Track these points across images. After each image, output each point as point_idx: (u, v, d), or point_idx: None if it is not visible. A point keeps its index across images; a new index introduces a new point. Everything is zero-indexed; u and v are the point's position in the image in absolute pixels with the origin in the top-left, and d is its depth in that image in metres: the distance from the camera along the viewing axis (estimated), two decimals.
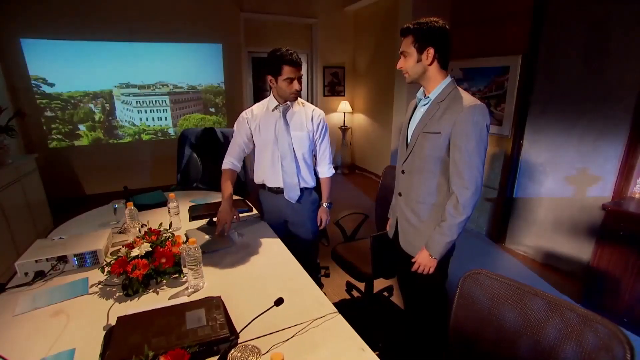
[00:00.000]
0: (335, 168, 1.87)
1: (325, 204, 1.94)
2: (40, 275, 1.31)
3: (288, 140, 1.73)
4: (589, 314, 0.79)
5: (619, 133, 2.43)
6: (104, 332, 1.00)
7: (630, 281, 2.13)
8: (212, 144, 2.69)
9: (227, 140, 2.72)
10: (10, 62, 3.63)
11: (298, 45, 5.09)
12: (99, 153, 4.32)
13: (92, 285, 1.26)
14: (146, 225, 1.58)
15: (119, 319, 1.03)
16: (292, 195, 1.81)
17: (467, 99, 1.30)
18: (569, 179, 2.79)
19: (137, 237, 1.38)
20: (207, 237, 1.62)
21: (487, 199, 3.42)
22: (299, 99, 1.79)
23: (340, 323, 1.06)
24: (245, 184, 2.76)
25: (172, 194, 1.76)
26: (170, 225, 1.63)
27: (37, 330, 1.03)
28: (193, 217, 1.89)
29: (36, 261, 1.31)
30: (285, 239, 1.73)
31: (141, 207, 1.96)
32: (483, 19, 3.27)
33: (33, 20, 3.63)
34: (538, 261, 3.03)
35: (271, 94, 1.76)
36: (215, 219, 1.73)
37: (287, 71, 1.59)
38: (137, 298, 1.19)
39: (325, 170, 1.91)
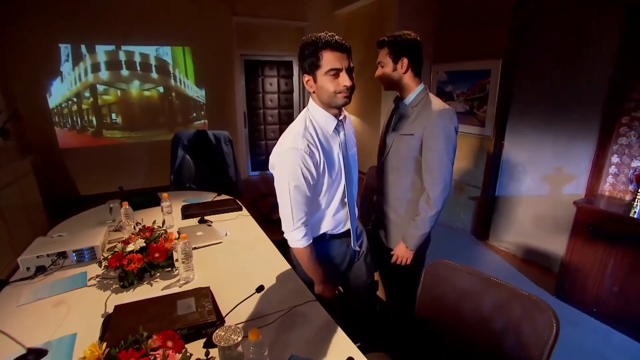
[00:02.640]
0: None
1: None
2: (41, 270, 1.41)
3: (356, 166, 1.35)
4: (519, 291, 0.91)
5: (590, 134, 2.57)
6: (103, 319, 1.10)
7: (598, 274, 2.26)
8: (204, 146, 2.79)
9: (218, 141, 2.81)
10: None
11: (289, 49, 5.19)
12: (95, 154, 4.39)
13: (90, 279, 1.36)
14: (140, 224, 1.68)
15: (116, 307, 1.13)
16: (362, 239, 1.46)
17: (437, 104, 1.42)
18: (546, 178, 2.93)
19: (132, 234, 1.49)
20: (198, 233, 1.72)
21: (471, 197, 3.55)
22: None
23: (317, 309, 1.17)
24: (236, 185, 2.86)
25: (164, 194, 1.86)
26: (164, 222, 1.73)
27: (40, 318, 1.13)
28: (185, 216, 1.99)
29: (37, 257, 1.41)
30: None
31: (136, 207, 2.06)
32: (466, 24, 3.40)
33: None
34: (519, 257, 3.17)
35: (312, 108, 1.23)
36: (206, 217, 1.83)
37: (328, 59, 1.11)
38: (132, 289, 1.29)
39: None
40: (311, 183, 1.17)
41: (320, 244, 1.34)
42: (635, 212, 2.12)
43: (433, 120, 1.38)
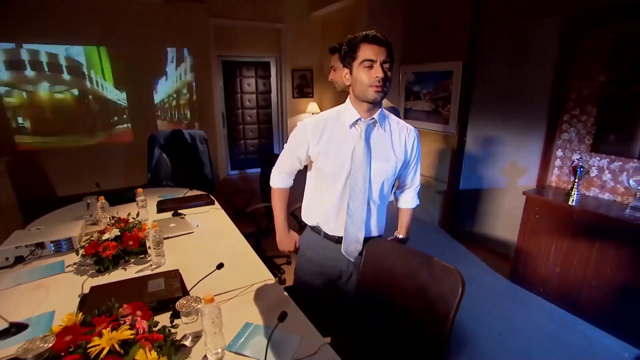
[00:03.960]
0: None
1: (400, 236, 1.50)
2: (20, 260, 1.51)
3: (365, 173, 1.25)
4: (435, 260, 1.09)
5: (539, 131, 2.81)
6: (79, 298, 1.22)
7: (543, 258, 2.50)
8: (180, 145, 2.90)
9: (194, 140, 2.93)
10: None
11: (267, 49, 5.31)
12: (71, 154, 4.39)
13: (68, 266, 1.47)
14: (116, 217, 1.79)
15: (92, 287, 1.26)
16: (350, 251, 1.34)
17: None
18: (503, 171, 3.17)
19: (108, 225, 1.60)
20: (171, 225, 1.85)
21: (439, 191, 3.77)
22: (384, 112, 1.32)
23: (275, 287, 1.33)
24: (212, 183, 2.98)
25: (139, 189, 1.98)
26: (138, 214, 1.85)
27: (21, 300, 1.24)
28: (160, 210, 2.11)
29: (16, 247, 1.51)
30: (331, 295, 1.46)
31: (112, 203, 2.15)
32: (431, 27, 3.61)
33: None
34: (481, 246, 3.40)
35: (347, 101, 1.29)
36: (180, 211, 1.95)
37: (365, 51, 1.15)
38: (108, 274, 1.41)
39: (410, 200, 1.51)
40: (303, 151, 1.33)
41: (311, 237, 1.44)
42: (573, 200, 2.36)
43: None
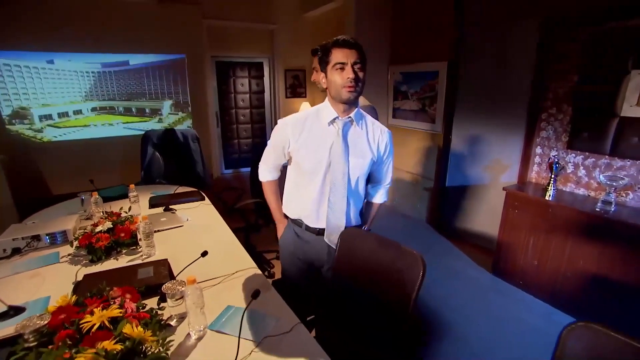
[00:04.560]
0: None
1: (365, 228, 1.61)
2: (17, 252, 1.59)
3: (344, 169, 1.35)
4: (402, 247, 1.18)
5: (519, 129, 2.92)
6: (73, 285, 1.31)
7: (522, 251, 2.61)
8: (172, 143, 2.99)
9: (186, 139, 3.01)
10: None
11: (260, 50, 5.40)
12: (67, 153, 4.45)
13: (62, 257, 1.55)
14: (109, 211, 1.87)
15: (85, 275, 1.34)
16: (333, 238, 1.44)
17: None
18: (486, 168, 3.28)
19: (101, 218, 1.69)
20: (162, 219, 1.94)
21: (425, 188, 3.87)
22: (361, 111, 1.41)
23: (257, 274, 1.42)
24: (204, 180, 3.07)
25: (132, 185, 2.06)
26: (130, 209, 1.93)
27: (18, 287, 1.33)
28: (152, 205, 2.19)
29: (13, 239, 1.59)
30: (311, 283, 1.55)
31: (105, 199, 2.23)
32: (418, 29, 3.71)
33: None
34: (466, 241, 3.50)
35: (326, 100, 1.39)
36: (171, 206, 2.04)
37: (336, 55, 1.25)
38: (100, 264, 1.50)
39: (379, 196, 1.61)
40: (282, 152, 1.44)
41: (294, 230, 1.52)
42: (549, 195, 2.47)
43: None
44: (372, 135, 1.42)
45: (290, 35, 5.55)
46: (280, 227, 1.60)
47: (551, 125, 2.67)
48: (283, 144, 1.42)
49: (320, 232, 1.45)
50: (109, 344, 0.84)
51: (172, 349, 0.99)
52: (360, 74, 1.27)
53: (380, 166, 1.50)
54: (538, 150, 2.80)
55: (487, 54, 3.10)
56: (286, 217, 1.58)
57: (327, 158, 1.35)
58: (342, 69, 1.25)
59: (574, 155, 2.56)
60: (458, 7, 3.22)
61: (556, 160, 2.48)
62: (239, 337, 0.98)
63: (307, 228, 1.47)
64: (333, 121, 1.35)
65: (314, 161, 1.37)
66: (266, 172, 1.57)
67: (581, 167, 2.52)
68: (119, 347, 0.84)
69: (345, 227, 1.42)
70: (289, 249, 1.56)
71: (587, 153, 2.48)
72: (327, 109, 1.37)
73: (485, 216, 3.31)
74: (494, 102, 3.10)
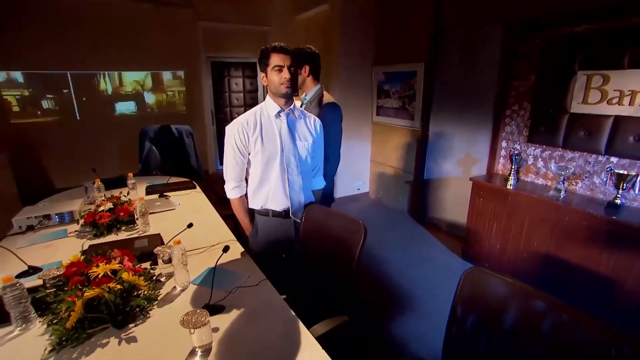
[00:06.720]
0: None
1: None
2: (30, 229, 1.85)
3: (294, 151, 1.59)
4: (350, 218, 1.44)
5: (487, 124, 3.17)
6: (80, 253, 1.56)
7: (487, 236, 2.86)
8: (168, 138, 3.24)
9: (180, 134, 3.26)
10: None
11: (254, 51, 5.64)
12: (69, 146, 4.70)
13: (70, 233, 1.81)
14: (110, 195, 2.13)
15: (90, 245, 1.60)
16: (297, 213, 1.66)
17: (327, 98, 1.93)
18: (459, 161, 3.53)
19: (103, 200, 1.94)
20: (157, 203, 2.19)
21: (407, 181, 4.13)
22: (295, 104, 1.65)
23: (235, 246, 1.67)
24: (197, 171, 3.32)
25: (130, 174, 2.31)
26: (128, 193, 2.19)
27: (34, 255, 1.58)
28: (148, 193, 2.45)
29: (27, 218, 1.84)
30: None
31: (107, 187, 2.48)
32: (398, 31, 3.95)
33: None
34: (442, 230, 3.76)
35: (267, 98, 1.62)
36: (165, 193, 2.29)
37: (274, 59, 1.49)
38: (103, 238, 1.75)
39: (317, 182, 1.81)
40: (244, 150, 1.57)
41: (263, 220, 1.69)
42: (510, 184, 2.72)
43: (322, 112, 1.89)
44: (309, 122, 1.68)
45: (282, 37, 5.79)
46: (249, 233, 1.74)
47: (514, 120, 2.92)
48: (243, 142, 1.57)
49: (286, 214, 1.65)
50: (112, 284, 1.10)
51: (160, 296, 1.24)
52: (291, 75, 1.50)
53: (316, 151, 1.72)
54: (504, 144, 3.05)
55: (459, 55, 3.35)
56: (252, 215, 1.73)
57: (280, 144, 1.57)
58: (280, 70, 1.49)
59: (533, 148, 2.80)
60: (437, 12, 3.46)
61: (515, 152, 2.73)
62: (212, 287, 1.23)
63: (274, 214, 1.66)
64: (279, 113, 1.58)
65: (272, 147, 1.57)
66: (236, 189, 1.66)
67: (539, 159, 2.77)
68: (119, 286, 1.10)
69: (305, 204, 1.65)
70: (260, 241, 1.72)
71: (544, 146, 2.72)
72: (270, 104, 1.59)
73: (457, 206, 3.56)
74: (466, 99, 3.35)
